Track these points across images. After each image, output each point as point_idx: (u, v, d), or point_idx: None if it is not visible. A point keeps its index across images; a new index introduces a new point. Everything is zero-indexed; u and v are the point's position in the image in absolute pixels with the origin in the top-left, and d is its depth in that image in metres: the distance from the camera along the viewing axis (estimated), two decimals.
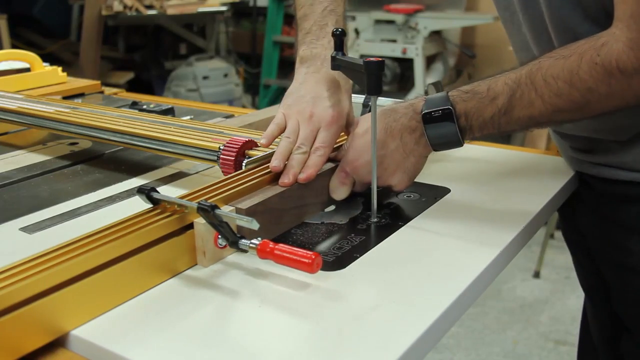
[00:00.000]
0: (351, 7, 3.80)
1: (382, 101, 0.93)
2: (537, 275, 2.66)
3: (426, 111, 0.78)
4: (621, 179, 0.86)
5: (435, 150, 0.81)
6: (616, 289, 0.94)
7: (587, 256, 1.00)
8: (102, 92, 1.48)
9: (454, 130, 0.78)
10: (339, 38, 0.81)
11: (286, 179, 0.77)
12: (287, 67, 4.43)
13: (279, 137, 0.84)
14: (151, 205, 0.68)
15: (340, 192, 0.82)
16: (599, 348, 1.05)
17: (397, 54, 3.43)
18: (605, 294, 0.97)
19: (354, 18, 3.56)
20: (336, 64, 0.82)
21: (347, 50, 0.84)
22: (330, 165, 0.83)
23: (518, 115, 0.75)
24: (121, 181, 0.92)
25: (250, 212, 0.71)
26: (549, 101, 0.73)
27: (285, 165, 0.79)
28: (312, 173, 0.78)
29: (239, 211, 0.71)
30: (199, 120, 1.08)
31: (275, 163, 0.78)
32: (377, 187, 0.80)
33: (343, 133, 0.89)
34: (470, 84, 0.79)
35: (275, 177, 0.79)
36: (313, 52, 0.89)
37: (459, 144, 0.79)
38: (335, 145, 0.86)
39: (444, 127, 0.78)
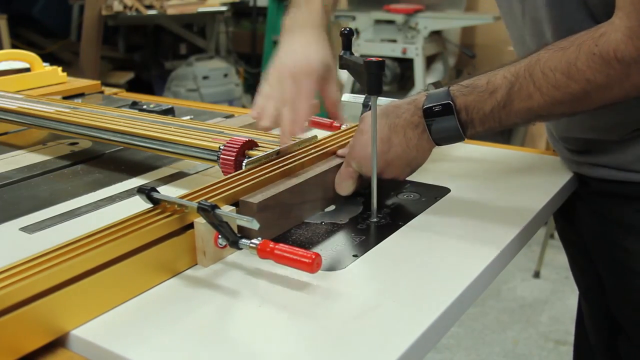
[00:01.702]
0: (351, 7, 3.81)
1: (382, 101, 0.93)
2: (537, 275, 2.66)
3: (427, 106, 0.79)
4: (618, 179, 0.87)
5: (438, 144, 0.81)
6: (612, 289, 0.94)
7: (584, 256, 1.00)
8: (102, 92, 1.48)
9: (455, 125, 0.78)
10: (347, 37, 0.82)
11: (285, 140, 0.81)
12: None
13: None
14: (151, 205, 0.68)
15: (345, 186, 0.83)
16: (596, 348, 1.05)
17: (397, 54, 3.43)
18: (602, 294, 0.97)
19: (354, 18, 3.56)
20: (342, 63, 0.82)
21: (330, 22, 0.89)
22: (337, 161, 0.84)
23: (517, 108, 0.75)
24: (121, 181, 0.92)
25: (261, 206, 0.71)
26: (547, 93, 0.73)
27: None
28: (301, 121, 0.82)
29: (250, 205, 0.71)
30: (199, 120, 1.08)
31: (263, 123, 0.82)
32: (382, 179, 0.81)
33: (349, 130, 0.91)
34: (471, 78, 0.79)
35: (275, 176, 0.79)
36: (294, 18, 0.92)
37: (461, 138, 0.79)
38: (341, 143, 0.88)
39: (445, 122, 0.78)
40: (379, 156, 0.80)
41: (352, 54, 0.82)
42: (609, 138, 0.86)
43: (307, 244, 0.73)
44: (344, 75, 3.73)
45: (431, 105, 0.79)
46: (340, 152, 0.87)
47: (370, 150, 0.80)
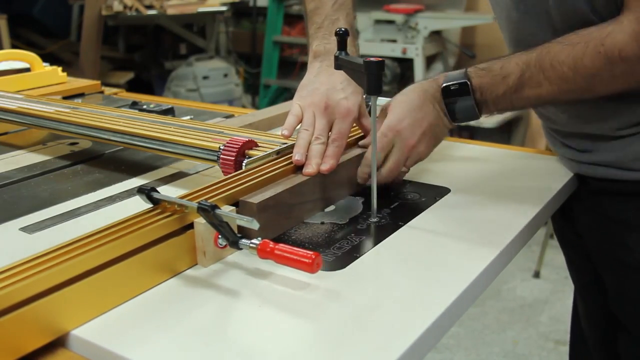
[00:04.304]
0: None
1: (382, 101, 0.93)
2: (537, 275, 2.66)
3: (445, 84, 0.84)
4: (617, 178, 0.87)
5: (456, 122, 0.86)
6: (613, 287, 0.94)
7: (583, 255, 1.00)
8: (102, 92, 1.48)
9: (471, 104, 0.83)
10: (342, 38, 0.82)
11: (310, 169, 0.80)
12: (287, 67, 4.43)
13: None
14: (151, 205, 0.68)
15: (363, 178, 0.86)
16: (593, 347, 1.05)
17: (397, 54, 3.43)
18: (600, 293, 0.97)
19: (354, 18, 3.56)
20: (338, 64, 0.82)
21: (357, 48, 0.89)
22: (349, 155, 0.86)
23: (527, 94, 0.81)
24: (121, 181, 0.92)
25: (261, 206, 0.71)
26: (555, 83, 0.79)
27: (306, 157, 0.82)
28: (333, 164, 0.81)
29: (249, 206, 0.71)
30: (199, 120, 1.08)
31: (297, 156, 0.81)
32: (398, 181, 0.85)
33: (356, 125, 0.92)
34: (486, 62, 0.84)
35: (275, 176, 0.78)
36: (326, 47, 0.93)
37: (476, 116, 0.85)
38: (358, 136, 0.92)
39: (462, 101, 0.84)
40: (414, 124, 0.84)
41: (347, 54, 0.82)
42: (606, 132, 0.86)
43: (307, 244, 0.73)
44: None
45: (449, 84, 0.84)
46: (361, 142, 0.90)
47: (407, 120, 0.84)
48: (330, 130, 0.86)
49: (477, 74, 0.84)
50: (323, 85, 0.89)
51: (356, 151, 0.89)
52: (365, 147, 0.89)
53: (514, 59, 0.81)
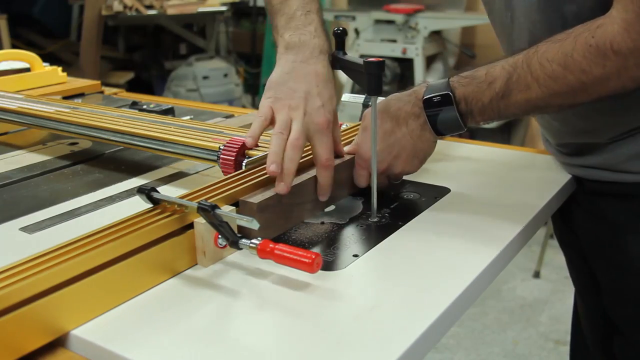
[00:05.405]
0: (351, 7, 3.81)
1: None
2: (537, 275, 2.66)
3: (427, 97, 0.80)
4: (609, 180, 0.87)
5: (440, 134, 0.82)
6: (607, 288, 0.94)
7: (580, 256, 1.00)
8: (102, 92, 1.48)
9: (455, 115, 0.79)
10: (340, 37, 0.81)
11: (283, 189, 0.73)
12: None
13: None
14: (151, 205, 0.68)
15: (360, 182, 0.85)
16: (592, 348, 1.05)
17: (397, 54, 3.43)
18: (598, 294, 0.97)
19: (354, 18, 3.56)
20: (338, 64, 0.82)
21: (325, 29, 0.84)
22: (337, 161, 0.84)
23: (515, 99, 0.76)
24: (121, 181, 0.92)
25: (261, 206, 0.71)
26: (545, 84, 0.74)
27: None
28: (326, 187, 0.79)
29: (250, 206, 0.71)
30: (199, 120, 1.08)
31: (273, 167, 0.72)
32: (394, 178, 0.82)
33: (349, 130, 0.92)
34: (470, 70, 0.80)
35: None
36: (301, 39, 0.83)
37: (461, 128, 0.81)
38: (347, 140, 0.89)
39: (444, 112, 0.80)
40: (384, 150, 0.81)
41: (345, 53, 0.82)
42: (599, 141, 0.86)
43: (307, 244, 0.73)
44: (344, 75, 3.72)
45: (431, 96, 0.80)
46: (347, 149, 0.87)
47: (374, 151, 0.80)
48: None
49: (460, 83, 0.79)
50: (300, 86, 0.79)
51: None
52: (350, 154, 0.86)
53: (500, 63, 0.77)
